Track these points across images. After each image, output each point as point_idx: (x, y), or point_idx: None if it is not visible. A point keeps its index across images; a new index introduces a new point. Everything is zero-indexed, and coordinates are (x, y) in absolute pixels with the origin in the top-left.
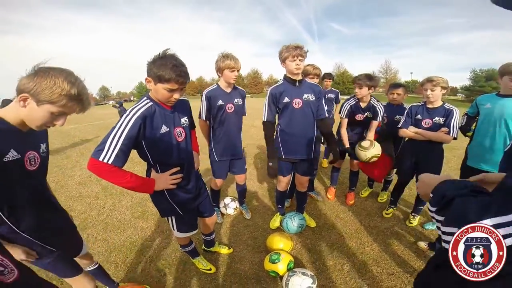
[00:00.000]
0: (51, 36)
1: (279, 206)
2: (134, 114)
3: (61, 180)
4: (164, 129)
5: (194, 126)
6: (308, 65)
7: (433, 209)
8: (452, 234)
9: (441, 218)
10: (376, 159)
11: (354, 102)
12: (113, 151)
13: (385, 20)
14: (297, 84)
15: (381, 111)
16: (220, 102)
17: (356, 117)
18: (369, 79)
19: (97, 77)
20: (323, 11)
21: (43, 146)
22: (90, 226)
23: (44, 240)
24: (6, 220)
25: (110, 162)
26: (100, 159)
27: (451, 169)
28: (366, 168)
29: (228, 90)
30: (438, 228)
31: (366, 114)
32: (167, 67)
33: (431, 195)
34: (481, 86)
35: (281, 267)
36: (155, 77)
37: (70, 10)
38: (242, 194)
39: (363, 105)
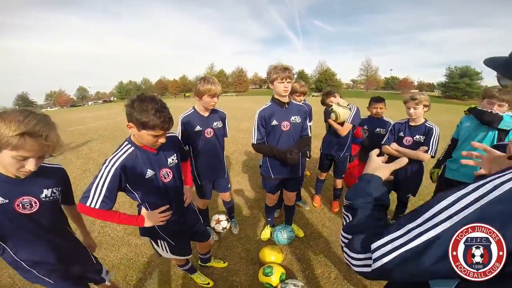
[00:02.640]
0: (24, 34)
1: (269, 219)
2: (113, 165)
3: None
4: (149, 173)
5: (186, 158)
6: (295, 82)
7: (346, 202)
8: (346, 238)
9: (348, 214)
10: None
11: None
12: (98, 198)
13: (366, 17)
14: (286, 106)
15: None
16: (198, 128)
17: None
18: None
19: (75, 76)
20: (306, 8)
21: (46, 192)
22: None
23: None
24: (8, 250)
25: (97, 207)
26: (87, 204)
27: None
28: (351, 181)
29: (206, 114)
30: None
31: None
32: (149, 113)
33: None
34: (455, 83)
35: (274, 279)
36: (138, 124)
37: (46, 7)
38: (230, 210)
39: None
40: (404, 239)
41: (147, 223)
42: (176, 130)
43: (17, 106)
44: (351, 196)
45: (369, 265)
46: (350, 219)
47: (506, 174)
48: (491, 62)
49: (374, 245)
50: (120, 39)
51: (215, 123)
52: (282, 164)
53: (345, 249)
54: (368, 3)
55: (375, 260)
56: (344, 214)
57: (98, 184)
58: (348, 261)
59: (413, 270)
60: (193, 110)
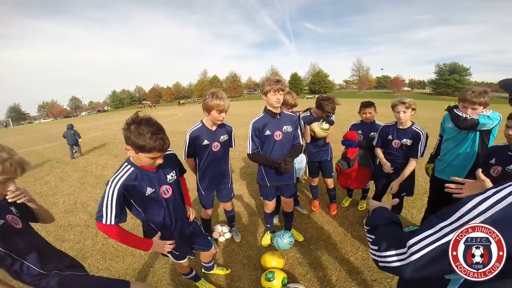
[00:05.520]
0: (16, 44)
1: (268, 225)
2: (115, 186)
3: None
4: (149, 190)
5: (183, 172)
6: (287, 94)
7: (367, 228)
8: (377, 250)
9: (372, 236)
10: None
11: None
12: (111, 214)
13: (354, 18)
14: (278, 117)
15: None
16: (206, 142)
17: None
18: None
19: (67, 87)
20: (297, 12)
21: (13, 209)
22: (89, 256)
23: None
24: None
25: (112, 223)
26: (103, 222)
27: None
28: (345, 181)
29: (214, 128)
30: (370, 243)
31: None
32: (145, 136)
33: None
34: (445, 80)
35: (276, 284)
36: (135, 147)
37: (36, 17)
38: (231, 219)
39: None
40: (438, 235)
41: (154, 249)
42: (183, 143)
43: (9, 118)
44: (371, 221)
45: (403, 259)
46: (375, 237)
47: None
48: (507, 86)
49: (410, 242)
50: (111, 47)
51: (222, 137)
52: (276, 172)
53: (375, 252)
54: (355, 4)
55: (413, 253)
56: (368, 237)
57: (107, 203)
58: (378, 259)
59: (445, 263)
60: (201, 124)
